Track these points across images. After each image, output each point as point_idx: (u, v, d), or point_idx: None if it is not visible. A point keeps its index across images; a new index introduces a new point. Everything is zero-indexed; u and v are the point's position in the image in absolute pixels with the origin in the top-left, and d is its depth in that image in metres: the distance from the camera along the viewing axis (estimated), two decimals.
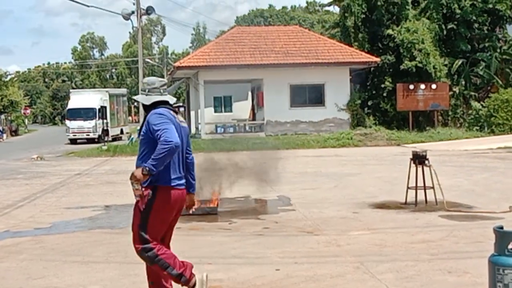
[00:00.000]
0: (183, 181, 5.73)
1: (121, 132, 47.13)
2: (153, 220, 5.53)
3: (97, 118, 43.05)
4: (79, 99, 45.19)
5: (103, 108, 44.51)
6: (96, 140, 41.76)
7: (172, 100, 5.85)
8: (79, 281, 7.24)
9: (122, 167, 22.77)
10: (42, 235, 10.27)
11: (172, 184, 5.57)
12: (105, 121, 43.96)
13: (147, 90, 5.79)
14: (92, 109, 43.33)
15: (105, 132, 43.08)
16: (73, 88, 77.23)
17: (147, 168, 5.24)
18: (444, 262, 7.52)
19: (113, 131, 45.17)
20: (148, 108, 5.74)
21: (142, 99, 5.80)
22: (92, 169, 22.48)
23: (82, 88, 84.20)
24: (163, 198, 5.53)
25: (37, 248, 9.21)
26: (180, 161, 5.69)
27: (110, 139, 41.25)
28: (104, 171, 21.83)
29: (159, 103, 5.72)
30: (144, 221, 5.53)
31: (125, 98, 51.94)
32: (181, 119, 5.87)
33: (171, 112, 5.68)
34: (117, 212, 12.61)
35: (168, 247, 5.83)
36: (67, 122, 44.58)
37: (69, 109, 44.92)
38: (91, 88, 74.19)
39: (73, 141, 42.35)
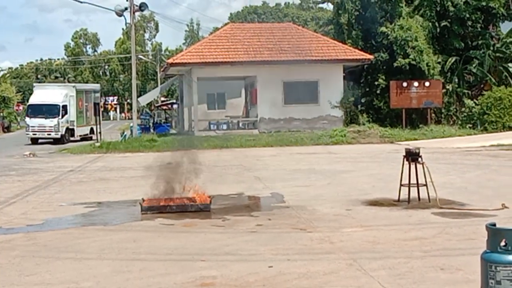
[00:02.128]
0: None
1: (91, 131, 41.47)
2: None
3: (60, 116, 38.65)
4: (41, 94, 40.52)
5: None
6: (59, 140, 38.19)
7: None
8: (72, 277, 7.22)
9: (115, 164, 22.75)
10: (35, 231, 10.23)
11: None
12: (70, 119, 39.80)
13: None
14: (56, 106, 38.83)
15: (70, 131, 39.81)
16: None
17: None
18: (437, 259, 7.54)
19: (81, 131, 41.15)
20: None
21: None
22: (85, 166, 22.43)
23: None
24: None
25: (29, 244, 9.18)
26: None
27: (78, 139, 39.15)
28: (97, 167, 21.78)
29: None
30: None
31: (97, 94, 46.25)
32: None
33: None
34: (110, 209, 12.59)
35: None
36: (26, 119, 40.03)
37: (29, 105, 40.62)
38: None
39: (34, 141, 38.49)
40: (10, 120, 64.89)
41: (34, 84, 47.85)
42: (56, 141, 38.00)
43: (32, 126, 38.94)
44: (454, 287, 6.47)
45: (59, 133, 38.59)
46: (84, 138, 40.17)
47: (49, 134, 38.57)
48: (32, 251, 8.69)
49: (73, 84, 48.03)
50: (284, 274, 7.06)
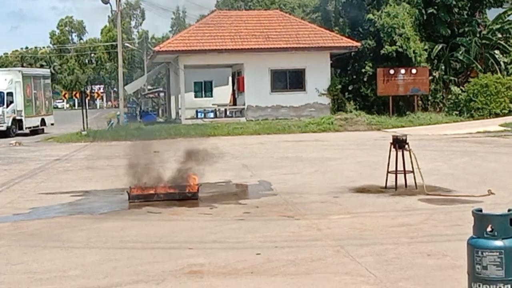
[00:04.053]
0: None
1: (43, 123, 37.19)
2: None
3: (4, 105, 33.27)
4: None
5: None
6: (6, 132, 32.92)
7: None
8: (59, 266, 7.20)
9: (102, 153, 22.65)
10: (21, 220, 10.19)
11: None
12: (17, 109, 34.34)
13: None
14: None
15: (17, 123, 34.32)
16: (51, 74, 73.84)
17: None
18: (424, 245, 7.58)
19: (30, 122, 35.55)
20: None
21: None
22: (72, 155, 22.33)
23: (61, 73, 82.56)
24: None
25: (16, 234, 9.14)
26: None
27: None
28: (83, 156, 21.70)
29: None
30: None
31: (48, 81, 40.05)
32: None
33: None
34: (97, 198, 12.55)
35: None
36: None
37: None
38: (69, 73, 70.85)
39: None
40: None
41: None
42: (1, 134, 32.62)
43: None
44: (440, 272, 6.50)
45: (5, 125, 33.19)
46: (34, 130, 35.70)
47: None
48: (19, 240, 8.65)
49: (18, 69, 41.17)
50: (272, 261, 7.07)
